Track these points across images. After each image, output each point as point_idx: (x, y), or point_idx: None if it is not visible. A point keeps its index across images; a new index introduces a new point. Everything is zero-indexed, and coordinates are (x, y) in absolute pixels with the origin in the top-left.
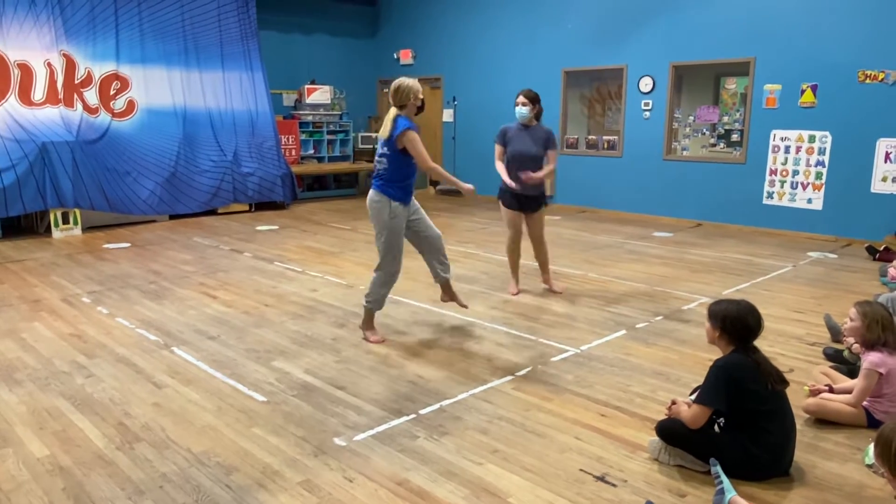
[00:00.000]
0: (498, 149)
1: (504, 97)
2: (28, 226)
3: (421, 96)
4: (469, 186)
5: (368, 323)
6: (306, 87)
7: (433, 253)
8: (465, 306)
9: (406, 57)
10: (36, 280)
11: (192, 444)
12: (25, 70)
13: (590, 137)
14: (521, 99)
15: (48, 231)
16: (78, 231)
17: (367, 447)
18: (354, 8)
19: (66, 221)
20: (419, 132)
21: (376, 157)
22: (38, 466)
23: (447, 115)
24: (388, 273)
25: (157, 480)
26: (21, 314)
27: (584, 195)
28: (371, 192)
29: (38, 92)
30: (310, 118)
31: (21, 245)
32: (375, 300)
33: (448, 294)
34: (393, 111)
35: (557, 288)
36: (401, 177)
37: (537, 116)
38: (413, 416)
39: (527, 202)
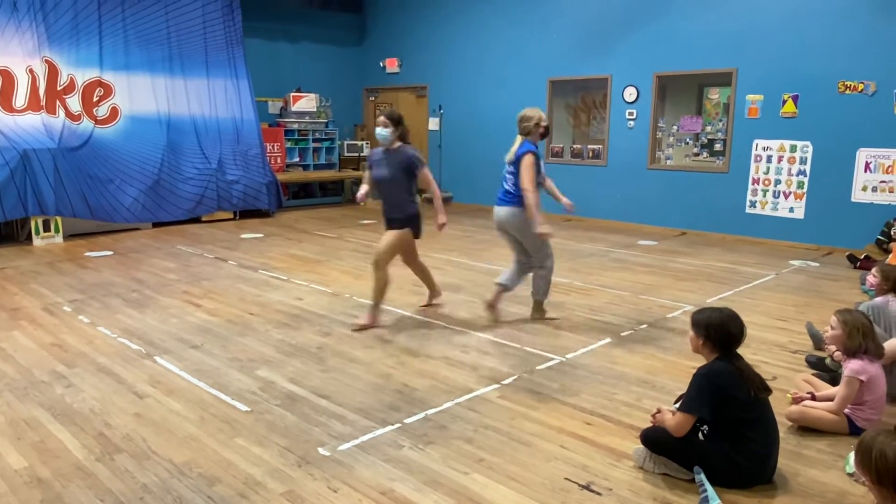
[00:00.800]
0: (366, 173)
1: (490, 106)
2: (8, 233)
3: (544, 123)
4: (546, 230)
5: (542, 311)
6: (292, 94)
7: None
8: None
9: (392, 65)
10: (16, 288)
11: (174, 454)
12: (7, 76)
13: (575, 146)
14: (382, 120)
15: (29, 239)
16: (59, 239)
17: (352, 457)
18: (341, 16)
19: (47, 229)
20: (538, 153)
21: (506, 174)
22: (15, 478)
23: (433, 123)
24: (549, 268)
25: (138, 492)
26: (0, 323)
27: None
28: (501, 208)
29: (20, 98)
30: (295, 126)
31: (1, 253)
32: (544, 292)
33: (492, 304)
34: (519, 137)
35: (363, 320)
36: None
37: (402, 139)
38: (398, 425)
39: (388, 224)
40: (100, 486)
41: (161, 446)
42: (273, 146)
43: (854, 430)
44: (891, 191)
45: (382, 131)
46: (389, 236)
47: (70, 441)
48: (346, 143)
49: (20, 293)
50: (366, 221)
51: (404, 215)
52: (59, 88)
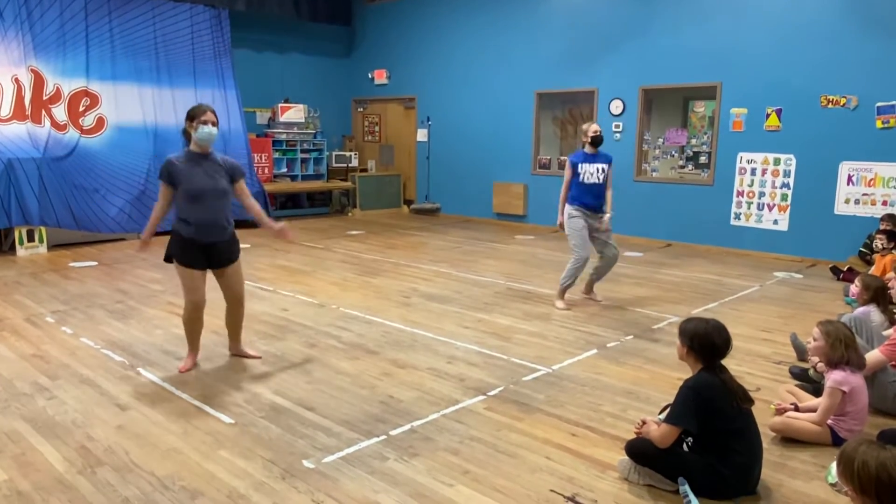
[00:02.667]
0: (166, 191)
1: (478, 118)
2: None
3: (591, 133)
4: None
5: (560, 295)
6: (280, 105)
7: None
8: (599, 300)
9: (381, 77)
10: None
11: (157, 467)
12: None
13: (562, 158)
14: (211, 116)
15: (12, 249)
16: (43, 249)
17: (337, 469)
18: (329, 27)
19: (31, 239)
20: (580, 160)
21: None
22: None
23: (421, 134)
24: (574, 260)
25: None
26: None
27: (556, 215)
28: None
29: (5, 108)
30: (283, 137)
31: None
32: (564, 279)
33: (590, 290)
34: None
35: (253, 352)
36: (574, 193)
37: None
38: (383, 437)
39: (219, 252)
40: (81, 500)
41: (144, 459)
42: (261, 156)
43: (837, 440)
44: (873, 203)
45: (213, 130)
46: (238, 269)
47: (51, 454)
48: (334, 153)
49: (2, 304)
50: (353, 232)
51: (234, 237)
52: (44, 98)
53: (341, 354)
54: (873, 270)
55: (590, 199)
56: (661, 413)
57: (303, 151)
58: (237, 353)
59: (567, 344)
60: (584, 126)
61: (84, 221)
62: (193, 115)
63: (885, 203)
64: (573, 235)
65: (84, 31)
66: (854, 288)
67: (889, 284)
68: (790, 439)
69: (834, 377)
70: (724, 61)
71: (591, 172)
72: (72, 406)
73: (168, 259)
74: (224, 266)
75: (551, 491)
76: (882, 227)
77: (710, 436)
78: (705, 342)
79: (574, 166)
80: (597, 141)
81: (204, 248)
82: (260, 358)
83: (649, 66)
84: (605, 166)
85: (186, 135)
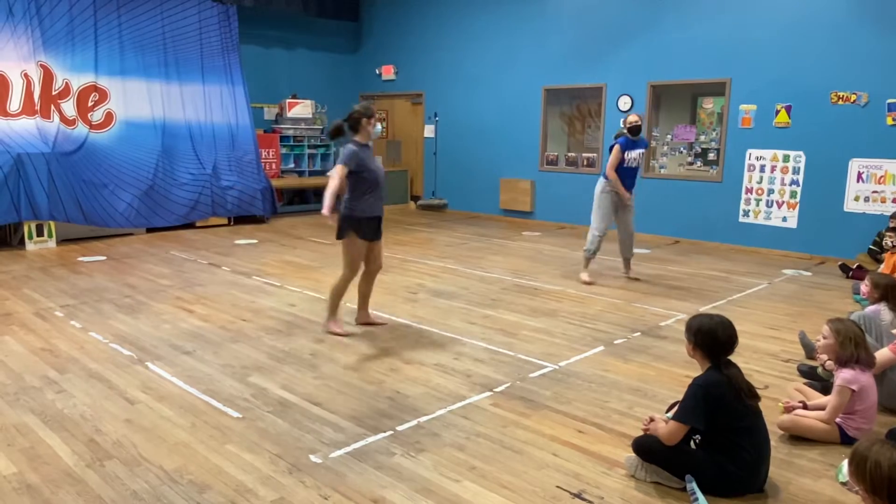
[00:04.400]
0: (344, 173)
1: (485, 114)
2: (1, 238)
3: (629, 124)
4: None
5: (586, 264)
6: (287, 101)
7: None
8: (637, 279)
9: (388, 73)
10: (7, 293)
11: (165, 461)
12: (2, 81)
13: (569, 154)
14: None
15: (21, 243)
16: (52, 244)
17: (343, 464)
18: (337, 23)
19: (40, 234)
20: (626, 146)
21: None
22: (4, 484)
23: (429, 130)
24: (595, 234)
25: (128, 499)
26: None
27: (563, 211)
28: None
29: (15, 103)
30: (291, 132)
31: None
32: (587, 248)
33: (626, 267)
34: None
35: (379, 319)
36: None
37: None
38: (390, 432)
39: (378, 227)
40: (89, 493)
41: (152, 453)
42: (268, 152)
43: (845, 439)
44: (883, 201)
45: (378, 127)
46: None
47: (60, 447)
48: (341, 149)
49: (12, 298)
50: None
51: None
52: (54, 93)
53: (348, 350)
54: (883, 268)
55: (628, 181)
56: (668, 411)
57: (310, 147)
58: (365, 321)
59: (574, 340)
60: (629, 118)
61: (93, 216)
62: (372, 114)
63: (894, 200)
64: (598, 210)
65: (93, 27)
66: (864, 286)
67: None
68: (798, 437)
69: (843, 375)
70: (733, 57)
71: (634, 157)
72: (80, 400)
73: (341, 236)
74: (379, 238)
75: (558, 487)
76: (892, 225)
77: (718, 433)
78: (709, 338)
79: (623, 150)
80: (634, 130)
81: (373, 220)
82: (385, 324)
83: (658, 62)
84: (643, 151)
85: (355, 124)
